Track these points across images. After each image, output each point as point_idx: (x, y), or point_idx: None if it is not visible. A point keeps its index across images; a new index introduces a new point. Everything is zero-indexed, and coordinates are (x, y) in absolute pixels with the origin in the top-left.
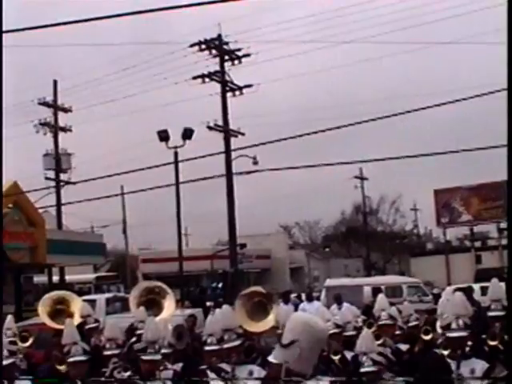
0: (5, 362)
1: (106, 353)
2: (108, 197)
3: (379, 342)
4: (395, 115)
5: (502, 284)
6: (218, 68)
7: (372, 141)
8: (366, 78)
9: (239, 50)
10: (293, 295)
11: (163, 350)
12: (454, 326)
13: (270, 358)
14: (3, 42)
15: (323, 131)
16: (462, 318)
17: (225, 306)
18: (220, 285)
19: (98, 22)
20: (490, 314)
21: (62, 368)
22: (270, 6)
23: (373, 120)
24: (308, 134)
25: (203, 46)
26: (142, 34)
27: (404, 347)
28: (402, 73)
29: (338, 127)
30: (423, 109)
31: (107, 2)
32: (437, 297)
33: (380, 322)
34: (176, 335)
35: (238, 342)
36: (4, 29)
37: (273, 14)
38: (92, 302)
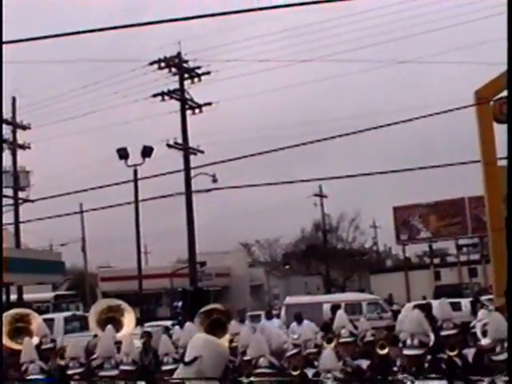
0: None
1: (69, 372)
2: (67, 214)
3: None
4: (354, 133)
5: (460, 300)
6: (177, 86)
7: (333, 158)
8: (329, 96)
9: (199, 67)
10: (251, 313)
11: (126, 367)
12: (408, 343)
13: (174, 376)
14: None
15: (282, 149)
16: (418, 335)
17: (188, 324)
18: (180, 303)
19: (59, 37)
20: (443, 333)
21: None
22: (233, 24)
23: (332, 138)
24: (267, 152)
25: (163, 64)
26: (103, 50)
27: (364, 363)
28: (367, 90)
29: (296, 145)
30: (382, 126)
31: (70, 17)
32: (396, 313)
33: (341, 340)
34: (142, 350)
35: None
36: None
37: (235, 32)
38: (50, 321)
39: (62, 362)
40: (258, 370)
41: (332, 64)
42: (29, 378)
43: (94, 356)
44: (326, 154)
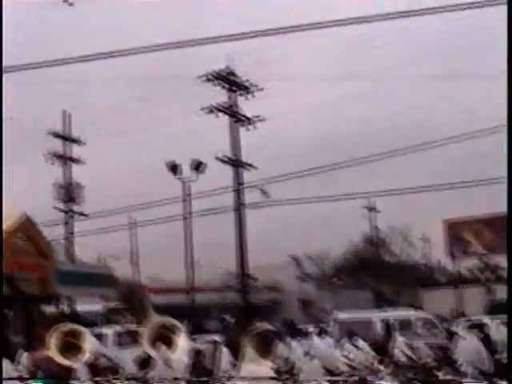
0: None
1: None
2: (118, 228)
3: None
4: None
5: None
6: (229, 101)
7: (385, 171)
8: (382, 112)
9: (251, 83)
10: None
11: None
12: (469, 372)
13: None
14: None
15: (331, 166)
16: (477, 364)
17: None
18: (229, 317)
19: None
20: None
21: None
22: (288, 39)
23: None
24: (312, 170)
25: (216, 79)
26: (156, 65)
27: None
28: (420, 105)
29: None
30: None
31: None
32: (450, 332)
33: (397, 362)
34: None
35: None
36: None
37: (290, 47)
38: (101, 335)
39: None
40: None
41: (383, 80)
42: None
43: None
44: (378, 167)
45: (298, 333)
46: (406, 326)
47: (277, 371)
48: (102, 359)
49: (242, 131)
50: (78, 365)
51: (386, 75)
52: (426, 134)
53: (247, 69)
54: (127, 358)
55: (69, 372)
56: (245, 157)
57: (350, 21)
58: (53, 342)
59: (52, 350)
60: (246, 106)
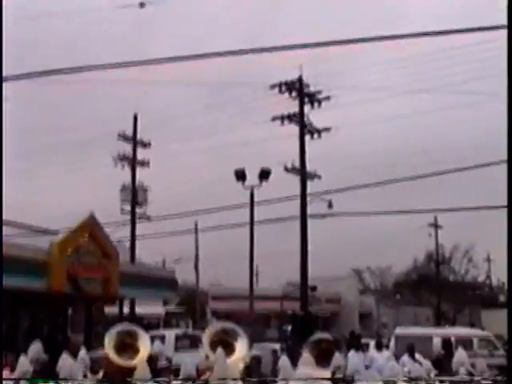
0: None
1: None
2: (182, 233)
3: None
4: (477, 167)
5: None
6: (297, 110)
7: (451, 188)
8: (448, 127)
9: (320, 92)
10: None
11: None
12: None
13: None
14: None
15: (397, 181)
16: None
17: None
18: (289, 327)
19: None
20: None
21: None
22: (357, 49)
23: (456, 171)
24: (382, 183)
25: (284, 88)
26: (225, 72)
27: None
28: (488, 123)
29: (415, 177)
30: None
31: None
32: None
33: (456, 378)
34: (245, 375)
35: None
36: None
37: (358, 58)
38: (161, 338)
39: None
40: None
41: (451, 95)
42: None
43: (206, 376)
44: (443, 183)
45: (360, 346)
46: (465, 344)
47: (332, 377)
48: (163, 360)
49: (310, 140)
50: (138, 363)
51: (459, 90)
52: (493, 153)
53: (319, 78)
54: (187, 362)
55: (129, 371)
56: (311, 167)
57: (424, 33)
58: (109, 340)
59: (108, 349)
60: (316, 115)
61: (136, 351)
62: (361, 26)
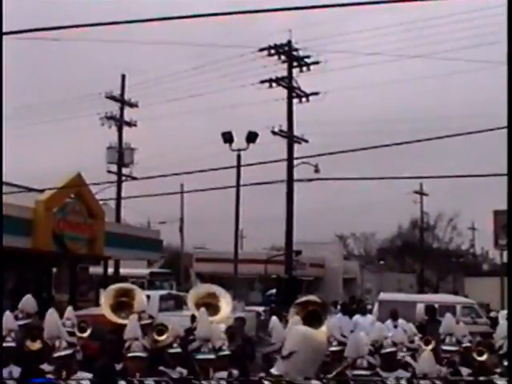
0: (64, 353)
1: (172, 351)
2: (168, 194)
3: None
4: (469, 133)
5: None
6: (285, 74)
7: (438, 156)
8: (439, 94)
9: (308, 57)
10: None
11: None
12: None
13: (272, 370)
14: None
15: (381, 146)
16: None
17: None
18: (274, 290)
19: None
20: (444, 347)
21: None
22: (346, 14)
23: (443, 137)
24: (367, 148)
25: (273, 51)
26: (214, 34)
27: (464, 371)
28: (479, 91)
29: (403, 143)
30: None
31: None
32: (493, 320)
33: (446, 347)
34: (228, 336)
35: None
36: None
37: (348, 23)
38: (146, 298)
39: (161, 338)
40: (357, 372)
41: (444, 61)
42: (130, 355)
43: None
44: (430, 151)
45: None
46: (449, 311)
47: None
48: (145, 318)
49: (298, 105)
50: (129, 322)
51: (450, 57)
52: (481, 121)
53: (309, 43)
54: (174, 322)
55: (120, 329)
56: (299, 131)
57: None
58: (106, 300)
59: (105, 308)
60: (305, 80)
61: (131, 309)
62: None
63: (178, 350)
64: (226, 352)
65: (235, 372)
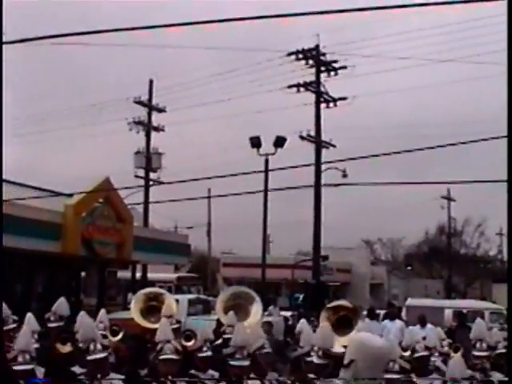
0: (99, 356)
1: (201, 355)
2: (195, 199)
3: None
4: (493, 138)
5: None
6: (313, 78)
7: (466, 161)
8: (470, 99)
9: (336, 61)
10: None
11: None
12: None
13: (337, 381)
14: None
15: (409, 151)
16: None
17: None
18: (301, 295)
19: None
20: (475, 353)
21: None
22: (375, 18)
23: (466, 142)
24: (397, 153)
25: (300, 56)
26: (242, 39)
27: (496, 377)
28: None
29: (431, 147)
30: None
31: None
32: None
33: (477, 353)
34: None
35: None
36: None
37: (376, 27)
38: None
39: (189, 344)
40: (389, 376)
41: (474, 66)
42: (162, 357)
43: (220, 341)
44: (460, 156)
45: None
46: (477, 317)
47: None
48: (171, 320)
49: (325, 110)
50: (161, 325)
51: (481, 60)
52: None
53: (336, 47)
54: (204, 326)
55: (152, 333)
56: (326, 136)
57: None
58: (136, 303)
59: (134, 311)
60: (332, 85)
61: (159, 313)
62: None
63: (209, 353)
64: (268, 350)
65: (275, 375)
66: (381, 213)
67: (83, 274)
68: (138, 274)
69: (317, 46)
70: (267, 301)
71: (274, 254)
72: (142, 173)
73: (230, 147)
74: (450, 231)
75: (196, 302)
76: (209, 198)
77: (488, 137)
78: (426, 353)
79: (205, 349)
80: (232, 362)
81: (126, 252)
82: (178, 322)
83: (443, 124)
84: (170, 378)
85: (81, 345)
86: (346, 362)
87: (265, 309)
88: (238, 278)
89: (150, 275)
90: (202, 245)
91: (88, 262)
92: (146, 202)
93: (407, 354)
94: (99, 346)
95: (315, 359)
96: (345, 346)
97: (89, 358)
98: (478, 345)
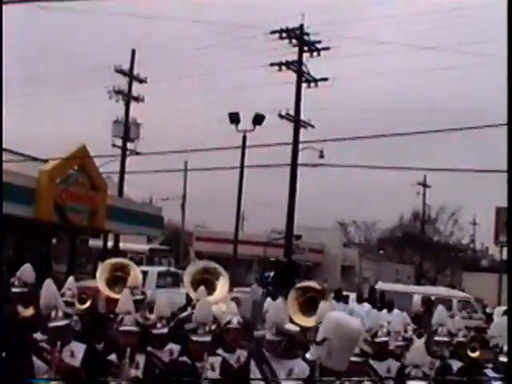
0: (60, 323)
1: (155, 332)
2: (171, 171)
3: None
4: (470, 128)
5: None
6: (296, 58)
7: (444, 149)
8: (450, 87)
9: (320, 42)
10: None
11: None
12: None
13: (307, 355)
14: None
15: (380, 136)
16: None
17: (280, 300)
18: (271, 273)
19: None
20: (436, 338)
21: None
22: (360, 1)
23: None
24: (369, 137)
25: (284, 35)
26: (228, 14)
27: (455, 364)
28: (488, 85)
29: (408, 133)
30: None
31: None
32: (489, 316)
33: (437, 338)
34: None
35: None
36: None
37: (362, 11)
38: (144, 274)
39: (153, 316)
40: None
41: (457, 54)
42: (122, 329)
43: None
44: (437, 143)
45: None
46: (445, 304)
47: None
48: (138, 293)
49: (306, 90)
50: (122, 296)
51: (467, 49)
52: (489, 115)
53: (320, 28)
54: (160, 301)
55: (114, 303)
56: (306, 116)
57: None
58: (102, 274)
59: (100, 281)
60: (315, 65)
61: (124, 284)
62: None
63: (164, 330)
64: (236, 326)
65: (244, 352)
66: (357, 195)
67: (54, 240)
68: (110, 244)
69: (301, 26)
70: (237, 277)
71: (248, 230)
72: (119, 142)
73: (210, 122)
74: (424, 218)
75: (166, 274)
76: (185, 170)
77: (463, 126)
78: (386, 338)
79: (159, 325)
80: (193, 338)
81: (98, 220)
82: (143, 293)
83: (423, 110)
84: (128, 350)
85: (43, 312)
86: (318, 339)
87: (234, 285)
88: (210, 252)
89: (122, 245)
90: (176, 217)
91: (60, 228)
92: (122, 172)
93: (368, 336)
94: (61, 314)
95: (268, 335)
96: (307, 327)
97: (50, 324)
98: (438, 330)
